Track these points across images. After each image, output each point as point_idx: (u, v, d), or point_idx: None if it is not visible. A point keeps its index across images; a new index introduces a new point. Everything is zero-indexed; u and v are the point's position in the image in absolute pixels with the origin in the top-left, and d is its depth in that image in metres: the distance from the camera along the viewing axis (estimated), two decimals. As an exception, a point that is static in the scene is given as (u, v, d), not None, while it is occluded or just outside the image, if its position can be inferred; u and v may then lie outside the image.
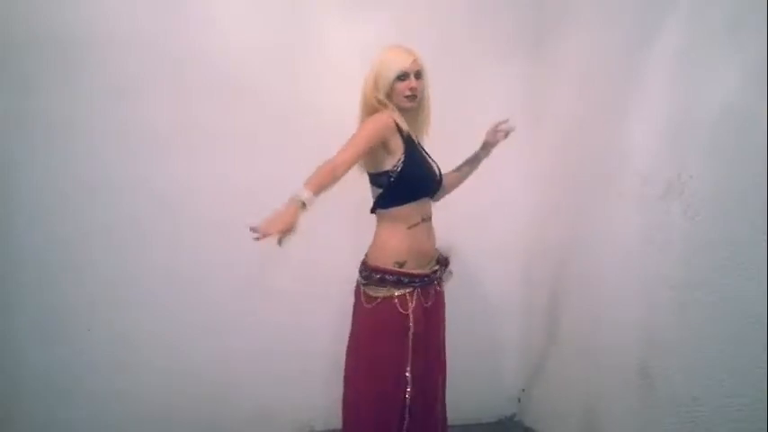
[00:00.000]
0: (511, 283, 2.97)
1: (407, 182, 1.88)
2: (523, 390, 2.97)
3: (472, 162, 2.20)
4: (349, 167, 1.75)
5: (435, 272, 2.00)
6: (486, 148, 2.17)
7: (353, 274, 2.00)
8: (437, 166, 2.03)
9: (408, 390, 1.87)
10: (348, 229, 2.53)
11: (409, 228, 1.90)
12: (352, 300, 2.00)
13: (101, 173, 2.49)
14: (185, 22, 2.54)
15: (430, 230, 1.99)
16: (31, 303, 2.46)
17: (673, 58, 1.98)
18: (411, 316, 1.86)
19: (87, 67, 2.46)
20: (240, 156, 2.60)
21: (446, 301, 2.10)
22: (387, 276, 1.87)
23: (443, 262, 2.06)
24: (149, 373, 2.56)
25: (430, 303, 1.95)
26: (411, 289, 1.88)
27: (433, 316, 1.97)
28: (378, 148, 1.85)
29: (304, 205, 1.63)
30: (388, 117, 1.85)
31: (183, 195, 2.56)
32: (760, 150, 1.62)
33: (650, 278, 2.04)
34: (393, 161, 1.86)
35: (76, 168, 2.47)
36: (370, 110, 1.91)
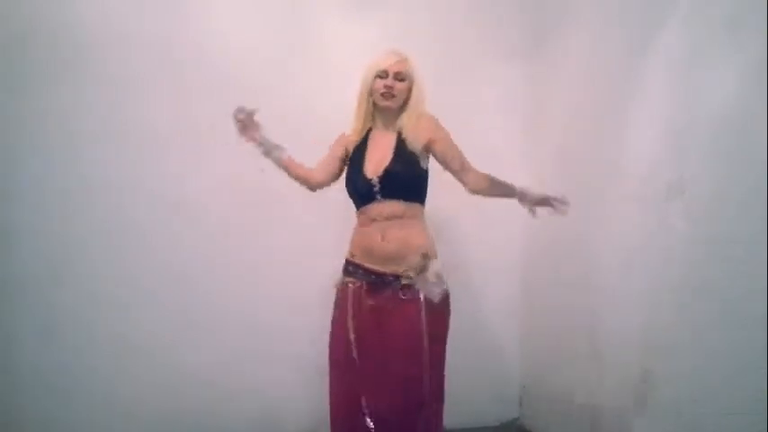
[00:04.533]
0: (511, 285, 2.96)
1: (348, 191, 2.09)
2: (524, 390, 2.97)
3: (506, 192, 2.15)
4: (322, 178, 2.12)
5: (397, 277, 1.92)
6: (522, 200, 2.15)
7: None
8: (392, 167, 1.95)
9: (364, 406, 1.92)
10: (348, 231, 2.54)
11: (361, 226, 2.05)
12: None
13: (101, 173, 2.49)
14: (185, 22, 2.55)
15: (385, 230, 1.95)
16: (31, 303, 2.45)
17: (673, 58, 1.98)
18: (350, 300, 1.97)
19: (87, 68, 2.46)
20: (240, 156, 2.58)
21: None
22: (345, 266, 2.06)
23: (419, 268, 1.94)
24: (149, 374, 2.56)
25: (373, 302, 1.93)
26: (356, 280, 2.00)
27: (386, 322, 1.91)
28: (346, 159, 2.11)
29: (267, 153, 2.06)
30: (347, 135, 2.12)
31: (183, 195, 2.56)
32: (760, 151, 1.62)
33: (651, 279, 2.03)
34: None
35: (76, 168, 2.47)
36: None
